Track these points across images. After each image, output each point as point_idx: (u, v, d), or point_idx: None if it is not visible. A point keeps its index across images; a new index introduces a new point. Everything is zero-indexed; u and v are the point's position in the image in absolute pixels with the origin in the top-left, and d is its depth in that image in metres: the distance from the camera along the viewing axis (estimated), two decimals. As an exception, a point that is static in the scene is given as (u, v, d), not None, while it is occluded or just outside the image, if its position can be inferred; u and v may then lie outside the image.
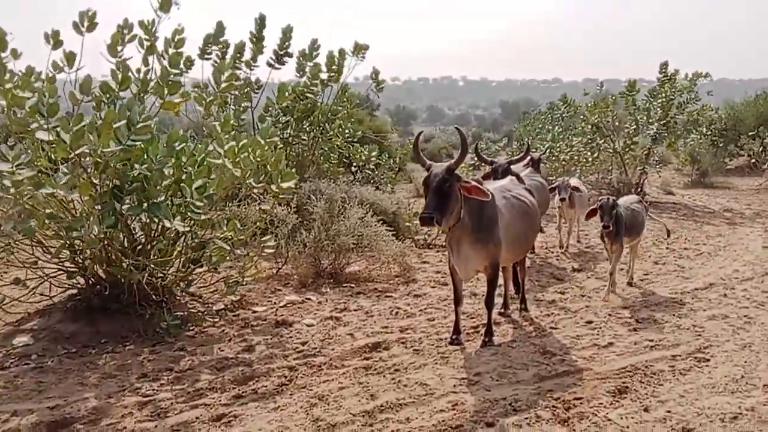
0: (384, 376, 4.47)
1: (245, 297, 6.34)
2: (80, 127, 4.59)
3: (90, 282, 5.58)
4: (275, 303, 6.28)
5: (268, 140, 5.59)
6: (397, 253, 7.35)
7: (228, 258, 5.65)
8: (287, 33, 10.75)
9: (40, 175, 4.51)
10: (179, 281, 5.61)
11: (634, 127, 14.00)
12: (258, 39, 10.33)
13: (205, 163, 5.59)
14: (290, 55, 10.85)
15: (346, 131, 11.68)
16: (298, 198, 8.88)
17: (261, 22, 10.45)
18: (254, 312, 5.98)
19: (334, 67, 11.08)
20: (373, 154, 12.49)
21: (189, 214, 5.35)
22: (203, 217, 5.31)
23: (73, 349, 4.95)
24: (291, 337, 5.28)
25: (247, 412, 3.90)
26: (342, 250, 7.14)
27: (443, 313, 5.91)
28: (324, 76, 11.07)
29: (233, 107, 10.59)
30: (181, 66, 5.90)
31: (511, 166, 7.32)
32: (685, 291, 6.71)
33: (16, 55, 5.37)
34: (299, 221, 7.67)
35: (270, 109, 11.09)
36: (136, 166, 5.14)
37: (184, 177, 5.57)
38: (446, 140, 46.75)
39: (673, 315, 5.86)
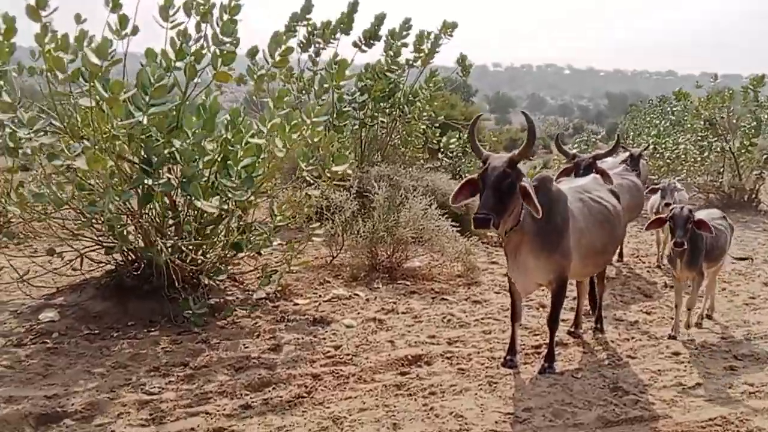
0: (416, 399, 3.85)
1: (290, 287, 5.90)
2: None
3: (129, 259, 5.31)
4: (320, 296, 5.79)
5: (314, 119, 5.03)
6: (461, 250, 6.66)
7: (270, 244, 5.19)
8: (380, 19, 10.25)
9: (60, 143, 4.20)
10: (215, 266, 5.21)
11: (754, 125, 12.40)
12: (348, 20, 9.89)
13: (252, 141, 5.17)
14: (379, 38, 10.34)
15: (425, 114, 10.96)
16: (362, 183, 8.38)
17: (353, 5, 10.02)
18: (295, 305, 5.52)
19: (423, 47, 10.45)
20: (452, 140, 11.71)
21: (229, 194, 4.94)
22: (243, 198, 4.87)
23: (96, 329, 4.68)
24: (325, 338, 4.76)
25: (248, 429, 3.41)
26: (400, 243, 6.55)
27: (503, 326, 5.19)
28: (410, 56, 10.49)
29: (315, 87, 10.26)
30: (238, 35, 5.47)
31: (597, 161, 6.41)
32: (801, 323, 5.61)
33: (79, 20, 5.12)
34: (358, 208, 7.14)
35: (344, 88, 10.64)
36: (173, 140, 4.79)
37: (230, 154, 5.19)
38: (545, 130, 45.05)
39: (783, 354, 4.85)
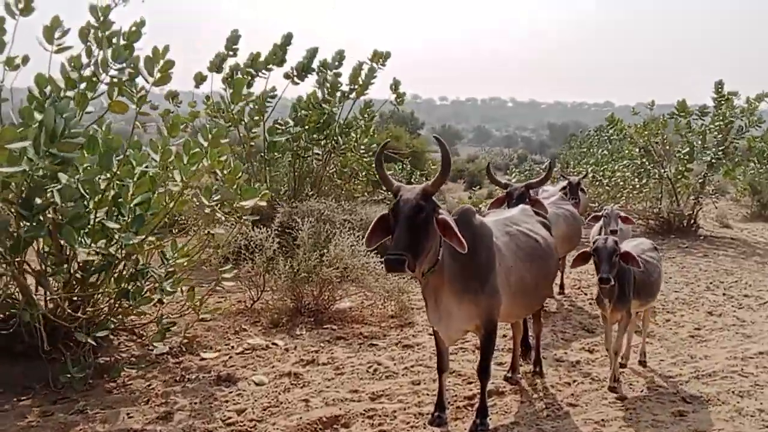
0: (324, 474, 3.28)
1: (198, 338, 5.25)
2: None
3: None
4: (232, 348, 5.16)
5: (212, 143, 4.48)
6: (392, 289, 6.15)
7: (162, 293, 4.55)
8: (312, 52, 9.91)
9: None
10: (103, 320, 4.54)
11: (688, 151, 12.45)
12: (281, 53, 9.50)
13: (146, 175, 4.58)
14: (311, 71, 9.97)
15: (362, 146, 10.52)
16: (290, 219, 7.85)
17: (287, 39, 9.64)
18: (201, 359, 4.87)
19: (359, 79, 10.13)
20: (390, 172, 11.28)
21: (116, 237, 4.32)
22: (132, 241, 4.25)
23: (-49, 402, 3.93)
24: (228, 400, 4.13)
25: None
26: (326, 283, 6.00)
27: (434, 374, 4.66)
28: (345, 88, 10.17)
29: (246, 119, 9.75)
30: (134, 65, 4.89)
31: (530, 190, 6.06)
32: (747, 356, 5.29)
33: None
34: (282, 246, 6.57)
35: (279, 121, 10.19)
36: (59, 176, 4.15)
37: (121, 191, 4.59)
38: (491, 161, 45.49)
39: (732, 392, 4.48)
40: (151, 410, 3.93)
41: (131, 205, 4.63)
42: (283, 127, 9.71)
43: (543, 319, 6.22)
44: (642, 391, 4.50)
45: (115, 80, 4.56)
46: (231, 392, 4.25)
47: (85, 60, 4.89)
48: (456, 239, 3.25)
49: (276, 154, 10.16)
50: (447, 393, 4.28)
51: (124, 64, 4.69)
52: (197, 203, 4.75)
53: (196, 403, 4.04)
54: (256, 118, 9.73)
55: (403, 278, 6.43)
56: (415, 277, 3.49)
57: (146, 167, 4.58)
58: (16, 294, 4.47)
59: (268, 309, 5.97)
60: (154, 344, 4.55)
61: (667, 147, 13.25)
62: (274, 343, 5.27)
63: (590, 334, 5.91)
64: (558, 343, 5.60)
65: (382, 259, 3.12)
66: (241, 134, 9.87)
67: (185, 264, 5.07)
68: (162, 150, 4.38)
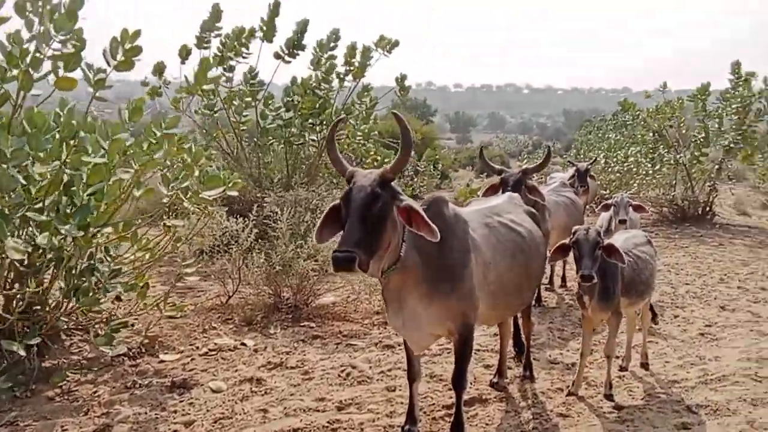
0: (267, 501, 2.87)
1: (162, 338, 4.87)
2: None
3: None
4: (197, 348, 4.76)
5: (165, 132, 4.06)
6: (378, 283, 5.71)
7: (106, 291, 4.14)
8: (303, 25, 9.36)
9: None
10: (42, 320, 4.14)
11: (704, 136, 11.84)
12: (269, 26, 8.97)
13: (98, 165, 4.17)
14: (303, 48, 9.44)
15: (359, 132, 10.03)
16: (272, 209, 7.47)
17: (275, 8, 9.10)
18: (160, 362, 4.48)
19: (354, 60, 9.62)
20: (386, 159, 10.81)
21: (62, 231, 3.92)
22: (75, 234, 3.85)
23: None
24: (177, 411, 3.73)
25: None
26: (304, 278, 5.58)
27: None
28: (342, 69, 9.65)
29: (236, 102, 9.34)
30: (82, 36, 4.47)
31: (527, 176, 5.59)
32: (762, 357, 4.78)
33: None
34: (261, 239, 6.17)
35: (270, 103, 9.75)
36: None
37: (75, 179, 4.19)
38: (504, 148, 44.71)
39: (744, 400, 3.99)
40: (89, 422, 3.54)
41: (85, 195, 4.25)
42: (275, 113, 9.28)
43: (539, 316, 5.82)
44: (642, 399, 4.04)
45: (59, 54, 4.15)
46: (183, 401, 3.85)
47: (26, 35, 4.48)
48: (425, 227, 2.80)
49: (270, 139, 9.72)
50: (421, 402, 3.86)
51: (68, 36, 4.27)
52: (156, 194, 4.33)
53: (141, 414, 3.64)
54: (248, 99, 9.31)
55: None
56: (371, 275, 3.05)
57: (101, 155, 4.18)
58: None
59: (244, 305, 5.57)
60: (101, 348, 4.14)
61: (684, 131, 12.64)
62: (243, 344, 4.87)
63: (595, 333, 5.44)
64: (554, 343, 5.15)
65: (330, 257, 2.68)
66: (231, 118, 9.48)
67: (147, 258, 4.69)
68: (112, 137, 3.96)
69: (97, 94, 3.91)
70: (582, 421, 3.72)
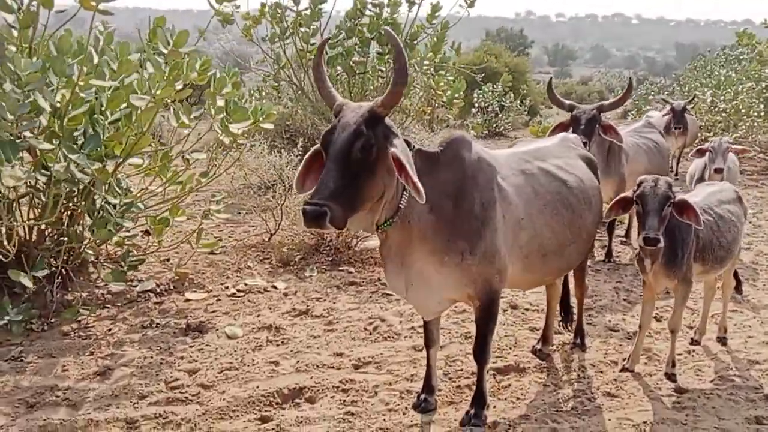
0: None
1: (193, 276, 4.69)
2: None
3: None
4: (226, 288, 4.55)
5: (170, 53, 3.69)
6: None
7: (115, 228, 3.92)
8: None
9: None
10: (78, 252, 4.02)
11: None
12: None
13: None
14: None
15: (425, 62, 9.31)
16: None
17: None
18: (186, 300, 4.30)
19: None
20: (462, 89, 10.02)
21: (71, 159, 3.71)
22: (84, 163, 3.62)
23: None
24: (184, 357, 3.52)
25: None
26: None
27: (445, 337, 3.83)
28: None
29: (303, 28, 8.89)
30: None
31: (602, 114, 4.88)
32: None
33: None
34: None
35: (340, 27, 9.22)
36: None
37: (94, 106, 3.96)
38: (605, 83, 41.84)
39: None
40: (92, 362, 3.40)
41: (107, 123, 4.02)
42: (335, 40, 8.76)
43: (606, 273, 5.20)
44: (711, 382, 3.44)
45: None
46: (193, 346, 3.64)
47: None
48: (410, 184, 2.30)
49: (336, 68, 9.19)
50: (448, 367, 3.47)
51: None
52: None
53: (146, 358, 3.46)
54: (315, 25, 8.81)
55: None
56: (367, 231, 2.59)
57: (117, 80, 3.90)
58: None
59: (284, 245, 5.30)
60: (107, 282, 3.98)
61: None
62: (274, 286, 4.61)
63: (664, 296, 4.78)
64: (617, 306, 4.55)
65: (300, 210, 2.25)
66: (298, 47, 9.05)
67: (177, 192, 4.47)
68: (121, 59, 3.65)
69: (101, 6, 3.53)
70: (632, 404, 3.20)
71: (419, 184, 2.29)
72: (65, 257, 4.05)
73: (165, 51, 3.74)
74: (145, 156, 4.21)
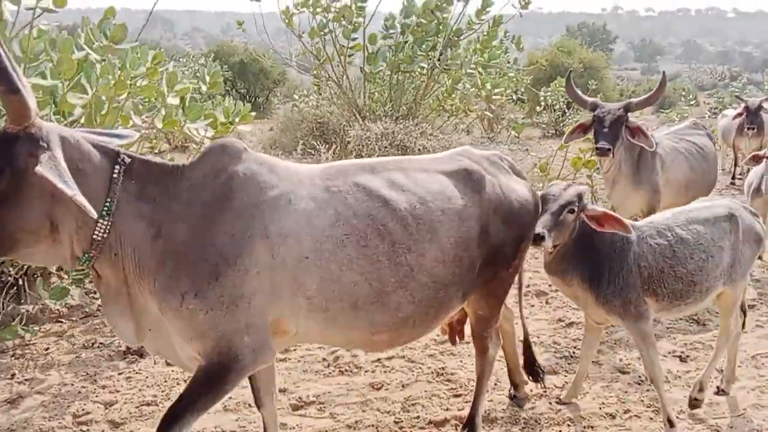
0: None
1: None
2: None
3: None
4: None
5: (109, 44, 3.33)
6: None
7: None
8: None
9: None
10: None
11: None
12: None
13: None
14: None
15: (472, 62, 8.66)
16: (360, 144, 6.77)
17: None
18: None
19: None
20: (499, 90, 9.35)
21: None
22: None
23: None
24: (106, 386, 3.15)
25: None
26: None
27: (409, 375, 3.27)
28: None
29: (344, 23, 8.52)
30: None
31: (628, 113, 4.17)
32: None
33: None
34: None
35: (387, 24, 8.82)
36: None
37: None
38: (695, 80, 39.29)
39: None
40: (7, 388, 3.09)
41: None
42: (386, 32, 8.33)
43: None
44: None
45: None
46: (122, 373, 3.27)
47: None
48: (73, 201, 1.81)
49: (381, 65, 8.71)
50: (391, 417, 2.92)
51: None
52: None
53: (66, 385, 3.12)
54: (357, 21, 8.39)
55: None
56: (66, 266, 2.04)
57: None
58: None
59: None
60: (45, 299, 3.68)
61: None
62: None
63: (699, 328, 4.03)
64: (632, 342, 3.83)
65: None
66: (337, 46, 8.68)
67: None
68: (60, 56, 3.32)
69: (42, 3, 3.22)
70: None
71: (80, 198, 1.77)
72: (22, 267, 3.80)
73: (97, 43, 3.38)
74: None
